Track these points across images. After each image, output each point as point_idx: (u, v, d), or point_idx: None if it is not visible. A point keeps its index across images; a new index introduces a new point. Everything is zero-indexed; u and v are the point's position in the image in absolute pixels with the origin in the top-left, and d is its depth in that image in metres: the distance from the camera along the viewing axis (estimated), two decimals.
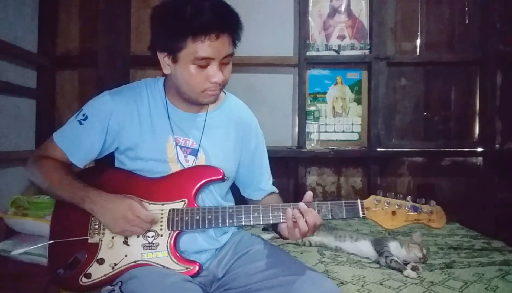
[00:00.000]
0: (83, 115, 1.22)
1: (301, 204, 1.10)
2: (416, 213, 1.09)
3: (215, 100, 1.22)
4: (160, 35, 1.13)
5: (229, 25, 1.11)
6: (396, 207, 1.09)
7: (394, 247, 1.71)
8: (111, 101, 1.22)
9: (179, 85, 1.17)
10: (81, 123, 1.21)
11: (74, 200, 1.15)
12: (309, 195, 1.12)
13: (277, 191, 1.41)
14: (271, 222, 1.14)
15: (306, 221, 1.08)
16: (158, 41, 1.14)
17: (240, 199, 1.40)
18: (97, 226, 1.16)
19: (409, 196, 1.11)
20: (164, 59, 1.14)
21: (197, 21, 1.06)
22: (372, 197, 1.11)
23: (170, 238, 1.14)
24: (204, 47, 1.08)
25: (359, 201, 1.11)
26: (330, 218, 1.12)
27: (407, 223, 1.09)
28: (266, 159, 1.40)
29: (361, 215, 1.09)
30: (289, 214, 1.09)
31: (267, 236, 1.94)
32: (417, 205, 1.09)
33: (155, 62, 1.18)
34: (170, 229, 1.15)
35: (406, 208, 1.09)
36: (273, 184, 1.42)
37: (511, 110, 2.91)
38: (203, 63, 1.10)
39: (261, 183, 1.37)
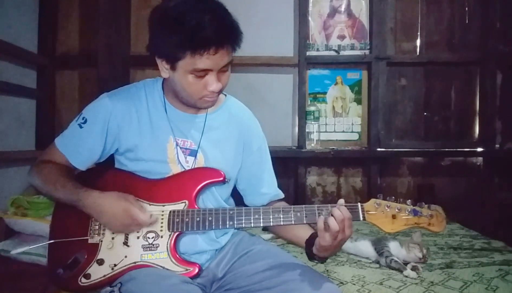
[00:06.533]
0: (83, 118, 1.22)
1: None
2: (416, 216, 1.08)
3: (212, 105, 1.22)
4: (158, 43, 1.12)
5: (229, 39, 1.09)
6: (396, 210, 1.09)
7: (394, 247, 1.71)
8: (110, 103, 1.22)
9: (177, 90, 1.17)
10: (81, 127, 1.21)
11: (70, 202, 1.15)
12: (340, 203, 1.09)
13: (283, 196, 1.38)
14: (271, 224, 1.14)
15: (335, 219, 1.04)
16: (157, 47, 1.13)
17: (241, 205, 1.36)
18: (97, 227, 1.17)
19: (409, 200, 1.11)
20: (162, 64, 1.14)
21: (197, 36, 1.04)
22: (373, 200, 1.11)
23: (170, 239, 1.14)
24: (202, 60, 1.07)
25: (359, 204, 1.10)
26: None
27: (407, 227, 1.09)
28: (269, 162, 1.39)
29: (361, 218, 1.09)
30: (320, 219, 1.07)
31: (267, 236, 1.94)
32: (417, 208, 1.09)
33: (155, 62, 1.17)
34: (170, 230, 1.15)
35: (406, 212, 1.09)
36: None
37: (511, 110, 2.91)
38: (201, 74, 1.10)
39: (263, 187, 1.35)
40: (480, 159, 2.97)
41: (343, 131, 3.00)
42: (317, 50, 2.98)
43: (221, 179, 1.21)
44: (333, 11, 3.00)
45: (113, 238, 1.15)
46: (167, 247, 1.14)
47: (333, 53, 2.97)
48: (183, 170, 1.23)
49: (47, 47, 2.86)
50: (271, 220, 1.13)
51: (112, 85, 1.31)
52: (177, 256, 1.14)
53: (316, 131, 2.90)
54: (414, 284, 1.48)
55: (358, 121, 3.00)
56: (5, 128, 2.46)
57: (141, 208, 1.14)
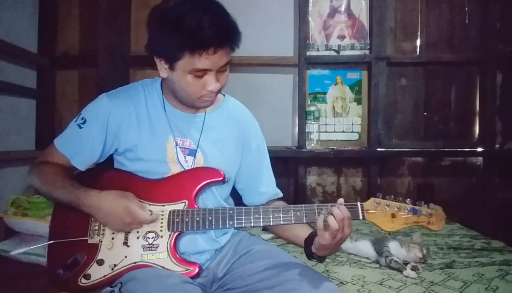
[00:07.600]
0: (82, 119, 1.22)
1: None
2: (415, 215, 1.09)
3: (211, 105, 1.22)
4: (157, 43, 1.12)
5: (228, 39, 1.09)
6: (396, 209, 1.09)
7: (394, 247, 1.71)
8: (109, 103, 1.22)
9: (175, 90, 1.18)
10: (80, 127, 1.21)
11: (69, 203, 1.15)
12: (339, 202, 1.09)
13: (282, 195, 1.38)
14: (271, 223, 1.14)
15: (334, 217, 1.04)
16: (155, 47, 1.13)
17: (241, 204, 1.36)
18: (97, 227, 1.17)
19: (409, 199, 1.11)
20: (161, 64, 1.14)
21: (195, 37, 1.04)
22: (372, 199, 1.11)
23: (170, 239, 1.14)
24: (201, 60, 1.07)
25: (359, 203, 1.10)
26: None
27: (407, 226, 1.09)
28: (267, 161, 1.39)
29: (360, 217, 1.09)
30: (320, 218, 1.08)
31: (267, 236, 1.94)
32: (416, 207, 1.09)
33: (154, 62, 1.17)
34: (170, 230, 1.15)
35: (406, 211, 1.09)
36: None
37: (511, 110, 2.91)
38: (200, 74, 1.10)
39: (262, 186, 1.36)
40: (480, 159, 2.97)
41: (343, 131, 3.01)
42: (317, 50, 2.98)
43: (221, 178, 1.21)
44: (333, 11, 3.00)
45: (113, 238, 1.15)
46: (167, 247, 1.14)
47: (333, 53, 2.97)
48: (183, 169, 1.23)
49: (47, 47, 2.86)
50: (271, 219, 1.13)
51: (112, 85, 1.31)
52: (177, 256, 1.14)
53: (316, 131, 2.91)
54: (414, 284, 1.48)
55: (358, 121, 3.00)
56: (5, 128, 2.46)
57: (141, 205, 1.14)
